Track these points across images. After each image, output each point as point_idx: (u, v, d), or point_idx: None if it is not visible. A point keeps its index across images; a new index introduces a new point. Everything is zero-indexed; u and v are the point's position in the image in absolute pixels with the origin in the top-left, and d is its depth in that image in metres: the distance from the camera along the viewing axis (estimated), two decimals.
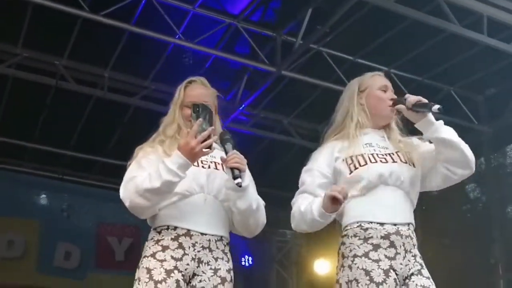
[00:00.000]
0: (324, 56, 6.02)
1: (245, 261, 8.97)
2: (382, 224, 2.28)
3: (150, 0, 5.19)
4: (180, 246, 2.19)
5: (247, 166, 2.24)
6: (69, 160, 7.73)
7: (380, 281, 2.18)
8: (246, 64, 5.87)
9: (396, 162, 2.38)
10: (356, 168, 2.34)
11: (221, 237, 2.28)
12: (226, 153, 2.24)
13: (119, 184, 2.29)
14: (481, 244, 6.91)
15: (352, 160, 2.36)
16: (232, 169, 2.19)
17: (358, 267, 2.21)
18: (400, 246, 2.27)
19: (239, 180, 2.16)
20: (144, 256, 2.24)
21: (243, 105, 6.29)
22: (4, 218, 7.72)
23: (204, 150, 2.13)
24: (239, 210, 2.26)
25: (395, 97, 2.48)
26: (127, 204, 2.23)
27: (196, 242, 2.21)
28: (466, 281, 6.57)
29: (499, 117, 6.59)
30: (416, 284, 2.25)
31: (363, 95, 2.52)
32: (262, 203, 2.38)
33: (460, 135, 2.37)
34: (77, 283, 7.70)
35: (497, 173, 7.09)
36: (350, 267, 2.23)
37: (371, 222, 2.28)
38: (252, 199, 2.30)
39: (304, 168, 2.48)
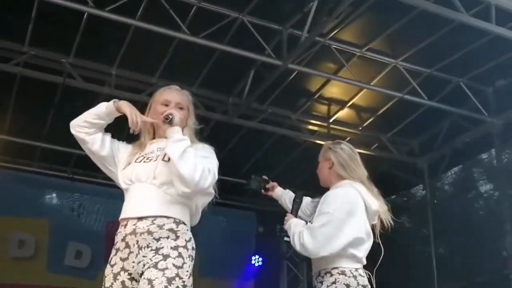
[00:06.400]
0: (331, 48, 5.98)
1: (255, 261, 8.95)
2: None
3: None
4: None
5: None
6: (79, 159, 7.73)
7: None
8: (252, 58, 5.83)
9: (156, 161, 2.55)
10: (122, 169, 2.63)
11: None
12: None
13: None
14: (493, 237, 6.84)
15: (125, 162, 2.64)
16: None
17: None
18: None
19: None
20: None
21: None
22: (15, 218, 7.76)
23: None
24: None
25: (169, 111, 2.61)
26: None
27: None
28: (479, 274, 6.49)
29: (509, 108, 6.50)
30: (144, 278, 2.34)
31: (150, 111, 2.69)
32: None
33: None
34: (88, 282, 7.69)
35: (508, 168, 7.01)
36: None
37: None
38: None
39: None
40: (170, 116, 2.52)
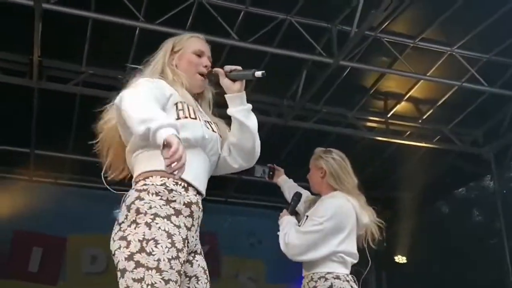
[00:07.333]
0: (383, 42, 5.88)
1: None
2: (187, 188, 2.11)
3: (202, 3, 5.25)
4: None
5: None
6: None
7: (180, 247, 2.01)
8: (303, 58, 5.82)
9: (215, 132, 2.27)
10: (185, 117, 2.16)
11: None
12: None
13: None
14: None
15: (183, 107, 2.18)
16: None
17: (159, 228, 2.00)
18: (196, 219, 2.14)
19: None
20: None
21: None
22: (87, 234, 8.00)
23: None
24: None
25: (209, 65, 2.35)
26: None
27: None
28: None
29: None
30: (199, 265, 2.18)
31: (176, 56, 2.35)
32: None
33: None
34: None
35: None
36: (148, 225, 2.00)
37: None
38: None
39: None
40: (264, 75, 2.19)
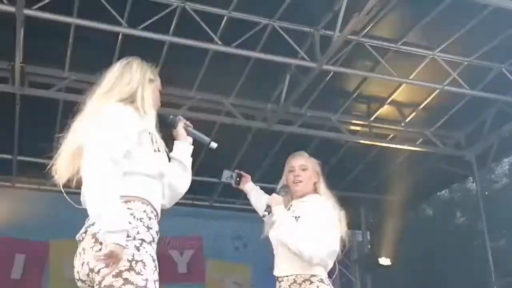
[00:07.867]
0: (365, 46, 5.92)
1: None
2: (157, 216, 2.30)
3: (185, 9, 5.25)
4: None
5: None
6: None
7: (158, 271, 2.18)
8: (287, 63, 5.84)
9: None
10: (159, 151, 2.34)
11: None
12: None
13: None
14: None
15: (157, 140, 2.35)
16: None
17: (146, 252, 2.13)
18: None
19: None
20: None
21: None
22: (70, 241, 7.91)
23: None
24: None
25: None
26: None
27: None
28: None
29: None
30: None
31: (153, 85, 2.46)
32: None
33: None
34: None
35: None
36: (137, 248, 2.11)
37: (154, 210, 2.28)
38: None
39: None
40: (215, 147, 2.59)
